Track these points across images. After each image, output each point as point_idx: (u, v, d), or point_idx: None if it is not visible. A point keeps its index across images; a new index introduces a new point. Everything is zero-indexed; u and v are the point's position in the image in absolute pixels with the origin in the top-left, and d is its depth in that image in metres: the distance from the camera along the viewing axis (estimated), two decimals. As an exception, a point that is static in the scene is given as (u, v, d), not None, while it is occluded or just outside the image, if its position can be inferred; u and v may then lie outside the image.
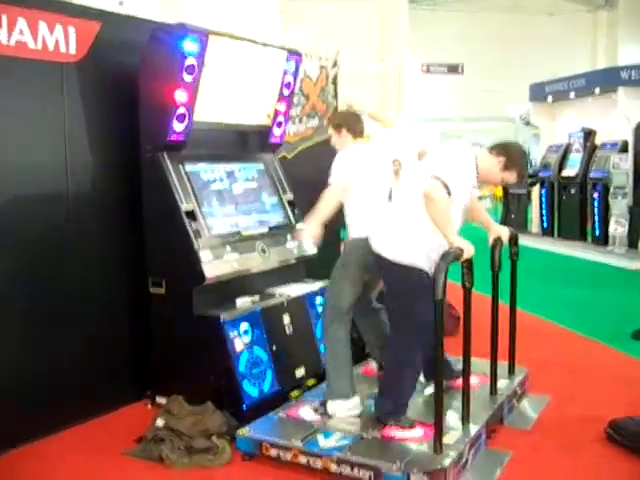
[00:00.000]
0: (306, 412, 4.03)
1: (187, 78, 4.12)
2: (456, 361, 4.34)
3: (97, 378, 4.37)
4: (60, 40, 4.08)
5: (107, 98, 4.42)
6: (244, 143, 5.03)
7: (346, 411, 3.99)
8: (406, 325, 3.74)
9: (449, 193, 3.57)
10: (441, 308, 3.44)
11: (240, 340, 4.19)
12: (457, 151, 3.82)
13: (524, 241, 9.41)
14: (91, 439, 4.07)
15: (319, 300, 4.86)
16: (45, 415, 4.04)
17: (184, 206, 4.22)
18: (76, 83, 4.24)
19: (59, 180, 4.19)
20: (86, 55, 4.24)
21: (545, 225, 12.77)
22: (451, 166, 3.68)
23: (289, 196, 5.10)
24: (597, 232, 11.19)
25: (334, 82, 6.66)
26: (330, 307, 4.17)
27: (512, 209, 13.44)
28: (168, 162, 4.27)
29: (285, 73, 4.95)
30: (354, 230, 4.26)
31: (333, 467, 3.45)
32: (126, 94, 4.33)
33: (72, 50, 4.16)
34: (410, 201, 3.74)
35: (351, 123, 4.52)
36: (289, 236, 4.89)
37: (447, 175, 3.58)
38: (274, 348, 4.39)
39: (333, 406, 3.99)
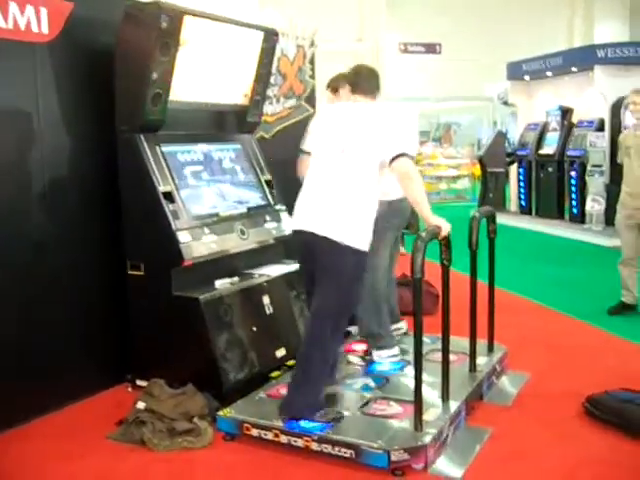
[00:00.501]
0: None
1: (162, 57, 4.06)
2: (435, 339, 4.37)
3: (76, 362, 4.34)
4: (32, 20, 4.01)
5: (81, 78, 4.36)
6: (221, 123, 4.99)
7: (387, 358, 4.58)
8: (341, 308, 3.74)
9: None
10: (420, 287, 3.45)
11: (220, 321, 4.18)
12: (401, 118, 3.88)
13: (502, 219, 9.42)
14: (72, 423, 4.05)
15: (298, 280, 4.85)
16: (25, 399, 4.01)
17: (161, 187, 4.18)
18: (49, 63, 4.17)
19: (33, 162, 4.13)
20: (59, 35, 4.17)
21: (523, 203, 12.85)
22: (403, 135, 3.73)
23: (267, 176, 5.07)
24: (574, 210, 11.27)
25: (311, 62, 6.62)
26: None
27: (490, 188, 13.50)
28: (144, 143, 4.22)
29: (262, 52, 4.91)
30: (394, 192, 4.30)
31: (314, 446, 3.46)
32: (101, 74, 4.28)
33: (44, 30, 4.09)
34: (358, 180, 3.72)
35: (359, 82, 4.57)
36: (267, 216, 4.87)
37: (407, 147, 3.63)
38: (254, 329, 4.39)
39: (379, 354, 4.61)
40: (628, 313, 6.01)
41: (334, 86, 4.82)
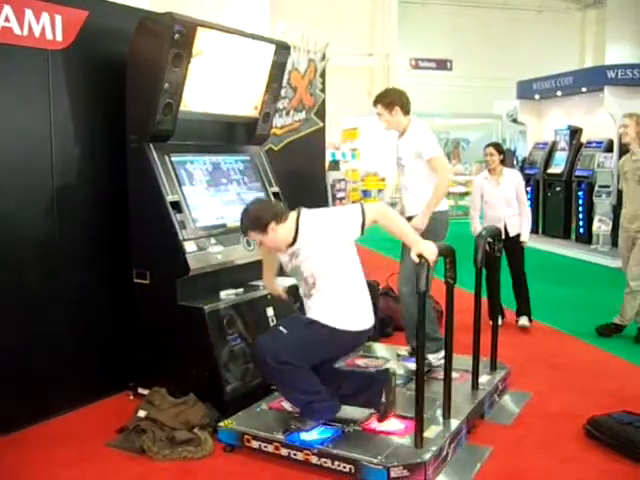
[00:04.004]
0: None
1: (174, 68, 4.10)
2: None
3: (79, 368, 4.36)
4: (46, 27, 4.06)
5: (94, 86, 4.40)
6: (231, 134, 5.02)
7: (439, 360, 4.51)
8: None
9: None
10: (424, 301, 3.45)
11: (223, 332, 4.18)
12: None
13: (509, 238, 9.42)
14: (72, 430, 4.06)
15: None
16: (27, 405, 4.03)
17: (169, 197, 4.21)
18: (62, 70, 4.21)
19: (44, 168, 4.16)
20: (73, 42, 4.21)
21: (530, 222, 12.81)
22: None
23: (275, 188, 5.09)
24: (581, 230, 11.26)
25: (322, 75, 6.65)
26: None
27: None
28: (154, 152, 4.25)
29: (273, 66, 4.94)
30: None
31: (314, 459, 3.46)
32: (113, 83, 4.31)
33: (59, 37, 4.14)
34: None
35: (404, 101, 4.65)
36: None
37: None
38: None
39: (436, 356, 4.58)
40: None
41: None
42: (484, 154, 6.50)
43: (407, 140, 4.70)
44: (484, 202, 6.46)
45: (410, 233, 3.64)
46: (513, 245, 6.29)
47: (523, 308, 6.45)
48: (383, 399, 3.73)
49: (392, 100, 4.67)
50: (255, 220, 3.62)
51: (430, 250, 3.47)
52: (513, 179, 6.42)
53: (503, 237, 6.00)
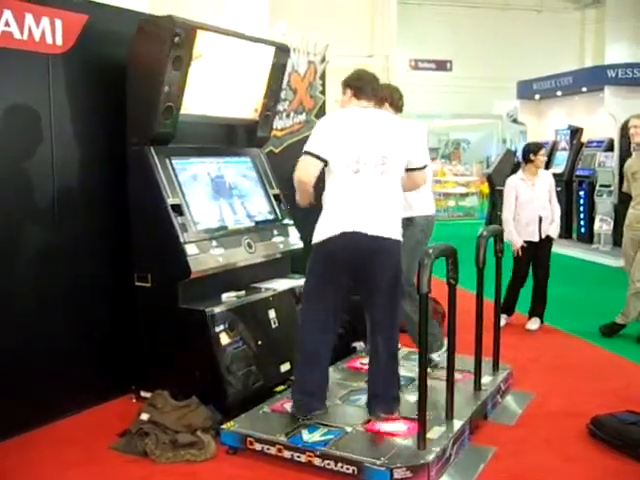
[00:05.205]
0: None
1: (175, 71, 4.10)
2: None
3: (81, 372, 4.35)
4: (46, 31, 4.05)
5: (94, 90, 4.40)
6: (231, 137, 5.02)
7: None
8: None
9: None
10: (426, 303, 3.45)
11: (225, 335, 4.18)
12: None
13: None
14: (76, 433, 4.06)
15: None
16: (29, 409, 4.02)
17: (170, 200, 4.20)
18: (62, 74, 4.21)
19: (45, 172, 4.16)
20: (73, 46, 4.21)
21: (531, 222, 12.81)
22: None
23: (275, 190, 5.09)
24: (582, 230, 11.26)
25: (322, 77, 6.65)
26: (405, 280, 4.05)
27: (498, 205, 13.43)
28: (155, 155, 4.24)
29: (273, 68, 4.94)
30: (428, 207, 4.58)
31: (317, 461, 3.46)
32: (113, 86, 4.30)
33: (59, 41, 4.13)
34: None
35: (395, 98, 4.54)
36: (275, 231, 4.89)
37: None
38: (259, 343, 4.39)
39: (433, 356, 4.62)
40: None
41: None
42: (538, 155, 6.32)
43: None
44: (517, 203, 6.33)
45: None
46: (544, 246, 6.38)
47: (537, 310, 6.48)
48: (381, 414, 3.84)
49: (382, 96, 4.52)
50: None
51: None
52: (547, 180, 6.43)
53: (537, 240, 6.18)
